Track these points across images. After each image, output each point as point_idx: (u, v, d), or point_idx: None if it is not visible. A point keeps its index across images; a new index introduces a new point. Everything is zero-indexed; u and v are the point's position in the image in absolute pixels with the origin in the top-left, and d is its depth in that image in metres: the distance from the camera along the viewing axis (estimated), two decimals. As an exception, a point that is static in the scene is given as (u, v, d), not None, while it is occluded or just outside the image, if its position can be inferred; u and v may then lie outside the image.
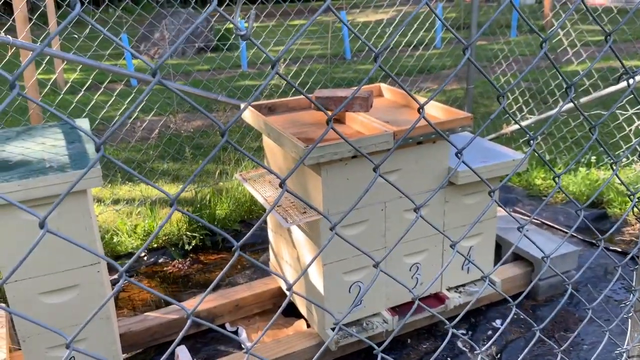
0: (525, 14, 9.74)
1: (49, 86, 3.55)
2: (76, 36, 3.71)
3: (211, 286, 0.73)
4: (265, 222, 2.95)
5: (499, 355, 2.42)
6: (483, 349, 2.41)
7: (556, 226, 3.44)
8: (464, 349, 2.47)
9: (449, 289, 2.52)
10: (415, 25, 4.87)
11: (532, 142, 0.72)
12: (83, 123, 2.24)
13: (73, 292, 1.86)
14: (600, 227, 3.44)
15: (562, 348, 0.90)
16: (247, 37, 0.55)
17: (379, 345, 0.91)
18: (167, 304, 2.83)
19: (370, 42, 5.69)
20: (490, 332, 2.57)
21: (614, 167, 0.80)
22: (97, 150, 0.50)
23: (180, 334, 0.69)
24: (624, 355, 1.03)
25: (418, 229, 2.33)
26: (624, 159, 3.79)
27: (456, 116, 2.26)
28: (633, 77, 0.75)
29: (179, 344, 2.49)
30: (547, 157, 4.16)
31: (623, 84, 3.37)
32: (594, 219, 3.50)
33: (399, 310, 2.40)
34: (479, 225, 2.48)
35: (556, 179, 0.81)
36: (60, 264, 1.81)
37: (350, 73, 6.66)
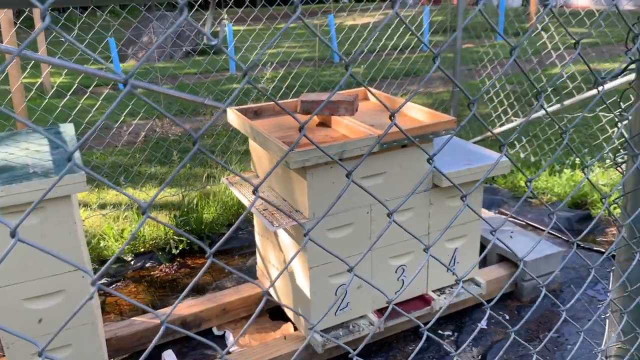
0: (511, 18, 9.83)
1: (33, 90, 3.52)
2: (62, 40, 3.70)
3: (183, 294, 0.74)
4: (252, 225, 2.95)
5: (479, 357, 2.44)
6: (458, 351, 2.43)
7: (541, 227, 3.48)
8: (450, 350, 2.49)
9: (434, 291, 2.54)
10: (400, 30, 4.90)
11: (502, 147, 0.74)
12: (68, 128, 2.24)
13: (58, 298, 1.85)
14: (583, 229, 3.47)
15: (537, 349, 0.92)
16: (218, 46, 0.56)
17: (365, 348, 0.92)
18: (154, 308, 2.83)
19: (357, 45, 5.71)
20: (475, 333, 2.59)
21: (585, 172, 0.82)
22: (69, 159, 0.51)
23: (154, 341, 0.69)
24: (599, 355, 1.05)
25: (404, 232, 2.35)
26: (607, 161, 3.83)
27: (440, 119, 2.28)
28: (602, 85, 0.77)
29: (156, 348, 2.49)
30: (532, 159, 4.20)
31: (613, 84, 3.42)
32: (578, 220, 3.54)
33: (385, 312, 2.42)
34: (463, 227, 2.50)
35: (528, 183, 0.82)
36: (44, 269, 1.80)
37: (337, 76, 6.69)
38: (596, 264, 1.01)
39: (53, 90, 3.64)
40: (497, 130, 4.05)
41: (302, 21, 0.57)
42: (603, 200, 0.89)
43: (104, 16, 3.58)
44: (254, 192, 0.69)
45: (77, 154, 1.97)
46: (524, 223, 3.55)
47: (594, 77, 0.80)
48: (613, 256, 1.22)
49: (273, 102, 2.60)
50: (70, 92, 3.34)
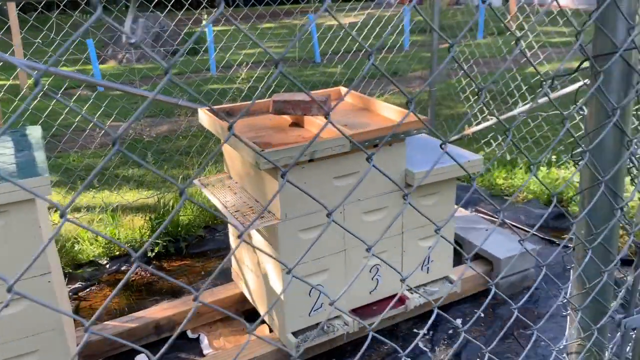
0: (492, 16, 9.90)
1: (2, 92, 3.46)
2: (39, 42, 3.64)
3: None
4: (227, 225, 2.93)
5: (454, 355, 2.45)
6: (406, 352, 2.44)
7: (518, 225, 3.50)
8: (424, 348, 2.49)
9: (409, 290, 2.54)
10: (377, 29, 4.90)
11: (443, 145, 0.73)
12: (34, 130, 2.20)
13: (23, 304, 1.81)
14: (559, 226, 3.51)
15: (488, 349, 0.91)
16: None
17: (340, 348, 0.91)
18: (130, 310, 2.79)
19: (342, 45, 5.70)
20: (450, 332, 2.60)
21: (532, 169, 0.82)
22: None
23: (184, 322, 0.67)
24: (554, 353, 1.05)
25: (378, 231, 2.34)
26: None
27: (411, 119, 2.28)
28: (548, 90, 0.77)
29: (128, 352, 2.46)
30: (508, 157, 4.23)
31: (579, 83, 3.45)
32: (553, 218, 3.57)
33: (360, 312, 2.42)
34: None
35: (472, 182, 0.82)
36: (7, 274, 1.76)
37: (318, 76, 6.68)
38: (548, 261, 1.01)
39: (23, 92, 3.58)
40: (473, 128, 4.07)
41: (244, 32, 0.55)
42: (552, 198, 0.89)
43: (74, 16, 3.53)
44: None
45: (42, 158, 1.93)
46: (500, 221, 3.57)
47: (541, 77, 0.80)
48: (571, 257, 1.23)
49: (246, 103, 2.59)
50: (40, 94, 3.28)
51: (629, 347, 1.15)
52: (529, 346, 1.03)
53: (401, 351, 0.86)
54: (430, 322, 0.89)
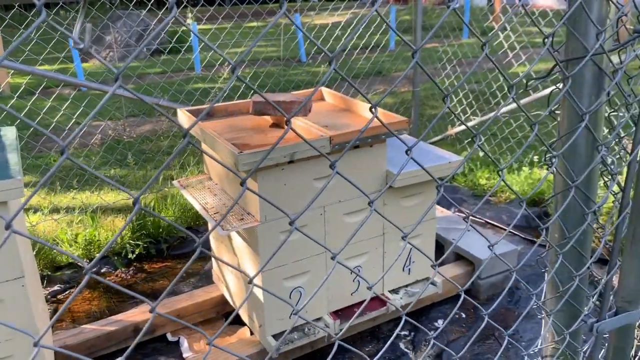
0: (477, 16, 9.95)
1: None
2: (8, 39, 3.58)
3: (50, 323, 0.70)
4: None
5: (435, 356, 2.45)
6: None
7: (500, 225, 3.52)
8: (406, 350, 2.49)
9: (390, 291, 2.54)
10: (359, 29, 4.90)
11: (409, 152, 0.72)
12: (9, 131, 2.16)
13: (-5, 308, 1.78)
14: (540, 225, 3.52)
15: (459, 355, 0.90)
16: (86, 49, 0.52)
17: (321, 351, 0.90)
18: (111, 313, 2.76)
19: (327, 44, 5.69)
20: (432, 332, 2.59)
21: (500, 174, 0.81)
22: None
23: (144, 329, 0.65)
24: (526, 358, 1.04)
25: (359, 232, 2.34)
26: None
27: (392, 120, 2.28)
28: (513, 98, 0.76)
29: (107, 357, 2.42)
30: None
31: (551, 88, 3.46)
32: (536, 218, 3.59)
33: (341, 314, 2.41)
34: (419, 226, 2.50)
35: (439, 187, 0.81)
36: (-20, 279, 1.73)
37: (302, 75, 6.66)
38: (517, 267, 1.01)
39: (1, 90, 3.52)
40: (456, 129, 4.09)
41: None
42: (521, 203, 0.89)
43: (52, 15, 3.48)
44: (196, 247, 0.65)
45: (15, 160, 1.90)
46: (482, 221, 3.59)
47: (508, 82, 0.79)
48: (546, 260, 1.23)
49: (226, 103, 2.56)
50: (17, 94, 3.24)
51: (602, 352, 1.15)
52: (501, 350, 1.02)
53: (367, 358, 0.85)
54: (399, 327, 0.88)
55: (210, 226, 2.71)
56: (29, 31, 0.44)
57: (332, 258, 0.75)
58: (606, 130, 1.12)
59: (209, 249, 3.42)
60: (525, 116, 3.34)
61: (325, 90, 2.77)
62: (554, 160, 0.91)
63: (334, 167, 0.64)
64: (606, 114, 1.06)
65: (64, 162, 0.51)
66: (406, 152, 0.76)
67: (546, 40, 0.81)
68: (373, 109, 0.66)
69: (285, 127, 2.37)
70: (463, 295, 0.90)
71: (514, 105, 3.73)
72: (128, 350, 0.64)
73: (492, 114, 3.64)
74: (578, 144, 0.99)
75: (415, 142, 0.80)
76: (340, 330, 2.39)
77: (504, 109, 3.62)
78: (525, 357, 0.99)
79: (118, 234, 0.64)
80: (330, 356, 0.82)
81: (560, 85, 0.98)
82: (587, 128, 0.94)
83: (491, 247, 0.88)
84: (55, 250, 3.23)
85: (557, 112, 1.06)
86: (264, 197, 0.69)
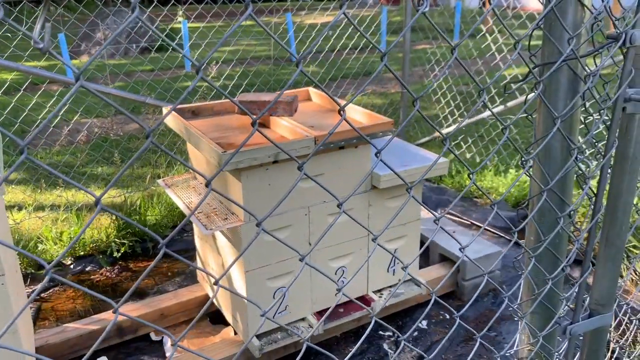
0: (467, 19, 9.99)
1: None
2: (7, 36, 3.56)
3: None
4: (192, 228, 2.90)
5: (419, 356, 2.46)
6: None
7: (485, 227, 3.53)
8: (389, 350, 2.50)
9: (375, 292, 2.54)
10: (349, 30, 4.90)
11: (378, 154, 0.72)
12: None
13: (-26, 307, 1.76)
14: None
15: (430, 356, 0.91)
16: (46, 49, 0.52)
17: (305, 352, 0.89)
18: (96, 311, 2.74)
19: (317, 44, 5.68)
20: (416, 333, 2.61)
21: (471, 177, 0.82)
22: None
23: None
24: (503, 357, 1.05)
25: (343, 233, 2.34)
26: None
27: (377, 121, 2.28)
28: (485, 101, 0.77)
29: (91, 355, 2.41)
30: (477, 160, 4.27)
31: (530, 94, 3.48)
32: (520, 220, 3.61)
33: (324, 314, 2.41)
34: (403, 227, 2.51)
35: (436, 222, 0.81)
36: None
37: (292, 74, 6.64)
38: (488, 270, 1.01)
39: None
40: (444, 130, 4.10)
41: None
42: (493, 206, 0.89)
43: (37, 10, 3.44)
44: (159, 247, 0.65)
45: (-3, 156, 1.88)
46: (468, 222, 3.60)
47: (478, 87, 0.80)
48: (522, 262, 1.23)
49: (212, 102, 2.56)
50: (1, 90, 3.21)
51: (576, 355, 1.16)
52: (472, 353, 1.03)
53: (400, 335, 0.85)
54: (367, 332, 0.89)
55: (195, 225, 2.71)
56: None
57: (300, 260, 0.75)
58: (582, 138, 1.13)
59: (194, 248, 3.41)
60: (512, 119, 3.35)
61: (312, 91, 2.77)
62: (527, 163, 0.92)
63: (302, 169, 0.64)
64: (582, 118, 1.07)
65: (23, 161, 0.50)
66: (376, 154, 0.76)
67: (517, 45, 0.82)
68: (342, 111, 0.66)
69: (270, 126, 2.37)
70: (433, 298, 0.90)
71: (501, 107, 3.75)
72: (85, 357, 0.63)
73: (465, 120, 3.66)
74: (553, 147, 0.99)
75: (385, 144, 0.80)
76: (324, 330, 2.39)
77: (496, 110, 3.63)
78: (498, 359, 1.00)
79: (75, 240, 0.64)
80: (299, 355, 0.82)
81: (536, 90, 0.99)
82: (561, 132, 0.95)
83: (462, 250, 0.88)
84: (40, 248, 3.21)
85: (533, 116, 1.06)
86: (269, 192, 0.68)
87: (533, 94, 0.96)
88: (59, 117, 3.68)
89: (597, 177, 1.01)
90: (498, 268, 2.91)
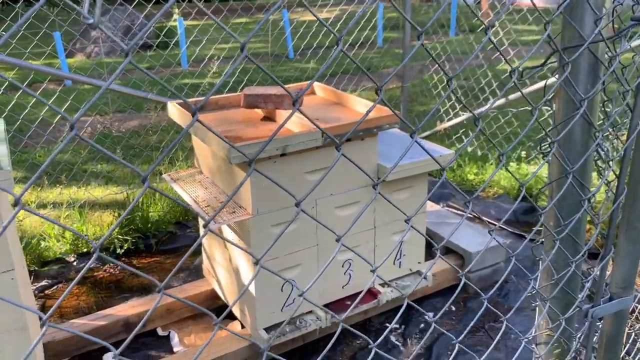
0: (466, 13, 9.99)
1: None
2: (2, 33, 3.53)
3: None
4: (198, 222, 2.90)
5: (426, 348, 2.47)
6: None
7: (487, 219, 3.54)
8: (397, 342, 2.50)
9: (381, 284, 2.55)
10: (348, 25, 4.89)
11: (413, 134, 0.72)
12: (-3, 123, 2.13)
13: (-16, 302, 1.75)
14: (529, 220, 3.56)
15: (459, 339, 0.91)
16: (96, 25, 0.52)
17: (313, 343, 0.89)
18: (99, 308, 2.73)
19: (317, 39, 5.69)
20: (422, 325, 2.61)
21: (502, 159, 0.82)
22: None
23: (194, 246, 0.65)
24: (523, 342, 1.06)
25: (349, 226, 2.34)
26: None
27: (384, 113, 2.28)
28: (478, 119, 0.77)
29: (97, 351, 2.41)
30: (479, 153, 4.27)
31: (551, 80, 3.49)
32: (523, 212, 3.63)
33: (332, 307, 2.41)
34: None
35: (442, 172, 0.82)
36: (-32, 272, 1.70)
37: (291, 71, 6.65)
38: (517, 251, 1.02)
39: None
40: (445, 124, 4.11)
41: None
42: (521, 187, 0.89)
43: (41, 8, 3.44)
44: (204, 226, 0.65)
45: (4, 152, 1.87)
46: (471, 215, 3.61)
47: (510, 66, 0.80)
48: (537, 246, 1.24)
49: (216, 96, 2.55)
50: (3, 87, 3.19)
51: (595, 337, 1.17)
52: (498, 337, 1.03)
53: (372, 342, 0.85)
54: (400, 312, 0.89)
55: (200, 219, 2.70)
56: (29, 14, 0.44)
57: (337, 240, 0.75)
58: (599, 121, 1.13)
59: (201, 244, 3.41)
60: (513, 112, 3.34)
61: (316, 84, 2.77)
62: (552, 146, 0.92)
63: (340, 149, 0.64)
64: (600, 104, 1.07)
65: (53, 158, 0.50)
66: (410, 135, 0.76)
67: (547, 26, 0.82)
68: (379, 91, 0.66)
69: (276, 120, 2.37)
70: (463, 281, 0.91)
71: (502, 100, 3.76)
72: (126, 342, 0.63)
73: (498, 101, 3.66)
74: (573, 131, 1.00)
75: (419, 125, 0.80)
76: (332, 323, 2.39)
77: (497, 103, 3.64)
78: (523, 343, 1.00)
79: (121, 219, 0.63)
80: (334, 337, 0.82)
81: (557, 75, 0.99)
82: (586, 114, 0.95)
83: (491, 232, 0.88)
84: (42, 245, 3.20)
85: (546, 105, 1.07)
86: (278, 184, 0.68)
87: (554, 79, 0.96)
88: (60, 115, 3.65)
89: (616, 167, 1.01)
90: (502, 260, 2.92)
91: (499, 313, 1.03)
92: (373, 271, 0.88)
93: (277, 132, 0.70)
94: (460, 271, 0.87)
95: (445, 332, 0.98)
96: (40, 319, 0.56)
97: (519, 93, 3.74)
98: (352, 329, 0.93)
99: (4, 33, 3.51)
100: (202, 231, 2.71)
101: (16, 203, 0.49)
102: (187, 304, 0.69)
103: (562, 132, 0.95)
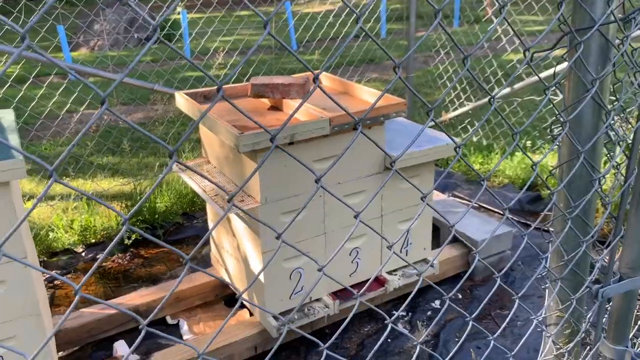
0: (468, 3, 9.96)
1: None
2: (7, 28, 3.55)
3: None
4: (207, 213, 2.92)
5: (433, 335, 2.49)
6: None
7: (493, 209, 3.56)
8: (404, 330, 2.52)
9: (388, 272, 2.56)
10: (353, 16, 4.88)
11: (429, 112, 0.73)
12: (7, 114, 2.15)
13: (-2, 289, 1.78)
14: (534, 209, 3.57)
15: (472, 316, 0.93)
16: (126, 1, 0.53)
17: (320, 331, 0.91)
18: (107, 297, 2.76)
19: (322, 30, 5.68)
20: (429, 313, 2.63)
21: (515, 138, 0.83)
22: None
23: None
24: (534, 322, 1.07)
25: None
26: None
27: (391, 102, 2.29)
28: (493, 97, 0.78)
29: (108, 339, 2.43)
30: (485, 143, 4.28)
31: (559, 66, 3.49)
32: (528, 202, 3.63)
33: (340, 294, 2.43)
34: (415, 209, 2.53)
35: (457, 149, 0.83)
36: (-18, 260, 1.73)
37: (295, 63, 6.64)
38: (529, 230, 1.03)
39: (-6, 78, 3.49)
40: (450, 114, 4.11)
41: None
42: (534, 167, 0.90)
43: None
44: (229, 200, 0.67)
45: (16, 141, 1.89)
46: (476, 205, 3.62)
47: (523, 45, 0.81)
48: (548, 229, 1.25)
49: (224, 87, 2.56)
50: (10, 79, 3.21)
51: (605, 317, 1.18)
52: (513, 310, 1.05)
53: (388, 318, 0.87)
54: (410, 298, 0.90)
55: (209, 209, 2.72)
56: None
57: (356, 216, 0.76)
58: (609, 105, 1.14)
59: (204, 234, 3.43)
60: (518, 101, 3.34)
61: (323, 74, 2.77)
62: (564, 126, 0.93)
63: (359, 126, 0.65)
64: (611, 87, 1.08)
65: (85, 131, 0.52)
66: (427, 112, 0.77)
67: (560, 5, 0.83)
68: (397, 69, 0.67)
69: (283, 109, 2.38)
70: (477, 258, 0.92)
71: (507, 90, 3.76)
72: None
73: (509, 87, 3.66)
74: (584, 113, 1.01)
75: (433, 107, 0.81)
76: (340, 310, 2.41)
77: (502, 93, 3.64)
78: (535, 322, 1.02)
79: (159, 181, 0.65)
80: (345, 323, 0.84)
81: (567, 57, 1.00)
82: (598, 94, 0.96)
83: (505, 210, 0.89)
84: (51, 237, 3.22)
85: (553, 95, 1.07)
86: (287, 173, 0.69)
87: (563, 65, 0.97)
88: (68, 107, 3.68)
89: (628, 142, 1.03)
90: (508, 248, 2.93)
91: (512, 291, 1.04)
92: (390, 247, 0.90)
93: (297, 110, 0.72)
94: (474, 248, 0.89)
95: (459, 309, 0.99)
96: (73, 288, 0.58)
97: (524, 82, 3.75)
98: (368, 304, 0.94)
99: (10, 25, 3.51)
100: (210, 225, 2.73)
101: (50, 175, 0.51)
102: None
103: (573, 113, 0.96)
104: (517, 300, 1.00)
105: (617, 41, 1.01)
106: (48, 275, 3.05)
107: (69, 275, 3.08)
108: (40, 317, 1.88)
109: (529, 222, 3.40)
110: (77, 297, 0.59)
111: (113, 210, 0.60)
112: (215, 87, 0.58)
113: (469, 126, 4.39)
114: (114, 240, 0.64)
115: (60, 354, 2.40)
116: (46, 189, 0.55)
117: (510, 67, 4.61)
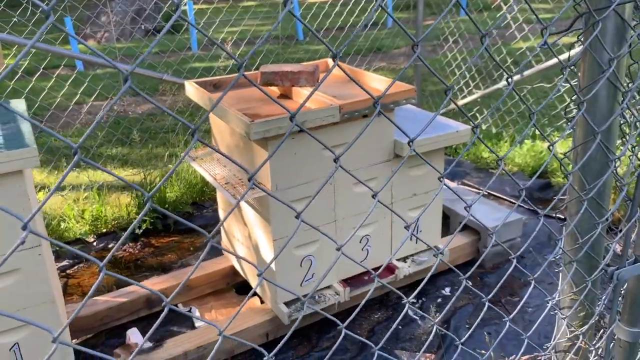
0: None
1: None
2: (16, 19, 3.56)
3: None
4: (217, 202, 2.94)
5: (444, 322, 2.49)
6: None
7: (502, 196, 3.55)
8: (414, 317, 2.53)
9: (398, 260, 2.57)
10: (361, 4, 4.87)
11: (447, 91, 0.73)
12: (19, 104, 2.16)
13: (14, 277, 1.80)
14: (544, 197, 3.56)
15: (488, 297, 0.93)
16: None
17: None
18: (118, 287, 2.78)
19: (329, 19, 5.66)
20: (439, 300, 2.64)
21: (532, 117, 0.82)
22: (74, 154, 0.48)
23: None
24: (549, 304, 1.07)
25: (367, 202, 2.36)
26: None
27: (400, 89, 2.29)
28: (511, 77, 0.78)
29: (121, 327, 2.46)
30: (494, 131, 4.26)
31: (564, 55, 3.47)
32: (538, 189, 3.62)
33: (351, 282, 2.44)
34: (424, 196, 2.53)
35: (475, 129, 0.83)
36: (-2, 248, 1.75)
37: (302, 53, 6.63)
38: (546, 210, 1.03)
39: (4, 68, 3.51)
40: (460, 102, 4.09)
41: None
42: (550, 147, 0.90)
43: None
44: (249, 179, 0.67)
45: (28, 130, 1.90)
46: (486, 193, 3.61)
47: (541, 23, 0.80)
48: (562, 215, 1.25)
49: (233, 75, 2.56)
50: (21, 70, 3.23)
51: (619, 300, 1.18)
52: (529, 292, 1.05)
53: (405, 297, 0.87)
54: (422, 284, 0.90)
55: (219, 197, 2.73)
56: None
57: (373, 196, 0.76)
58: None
59: (214, 223, 3.44)
60: (528, 88, 3.32)
61: (331, 62, 2.77)
62: (581, 106, 0.93)
63: (377, 105, 0.65)
64: (626, 69, 1.08)
65: (110, 108, 0.52)
66: (445, 92, 0.77)
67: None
68: (415, 47, 0.67)
69: (293, 97, 2.38)
70: (494, 239, 0.92)
71: (516, 77, 3.74)
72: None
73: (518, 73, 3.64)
74: (600, 95, 1.00)
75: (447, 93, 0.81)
76: (350, 297, 2.42)
77: (516, 78, 3.62)
78: (550, 304, 1.02)
79: (178, 163, 0.66)
80: (356, 311, 0.84)
81: (582, 38, 0.99)
82: (610, 78, 0.96)
83: (521, 191, 0.89)
84: (62, 226, 3.25)
85: (560, 83, 1.07)
86: (296, 161, 0.70)
87: (578, 44, 0.96)
88: (77, 98, 3.69)
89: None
90: (519, 235, 2.93)
91: (527, 273, 1.04)
92: (407, 227, 0.90)
93: (312, 94, 0.72)
94: (490, 230, 0.89)
95: (474, 289, 0.99)
96: (98, 266, 0.58)
97: (534, 69, 3.72)
98: (383, 282, 0.95)
99: (16, 18, 3.53)
100: (221, 213, 2.74)
101: (75, 153, 0.51)
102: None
103: (590, 94, 0.96)
104: (532, 282, 1.00)
105: (634, 22, 1.00)
106: (61, 264, 3.08)
107: (80, 265, 3.11)
108: (54, 304, 1.90)
109: (539, 210, 3.38)
110: (101, 274, 0.60)
111: (136, 189, 0.61)
112: (228, 74, 0.58)
113: (477, 114, 4.37)
114: (139, 217, 0.65)
115: (75, 341, 2.43)
116: (71, 165, 0.55)
117: (520, 55, 4.58)
